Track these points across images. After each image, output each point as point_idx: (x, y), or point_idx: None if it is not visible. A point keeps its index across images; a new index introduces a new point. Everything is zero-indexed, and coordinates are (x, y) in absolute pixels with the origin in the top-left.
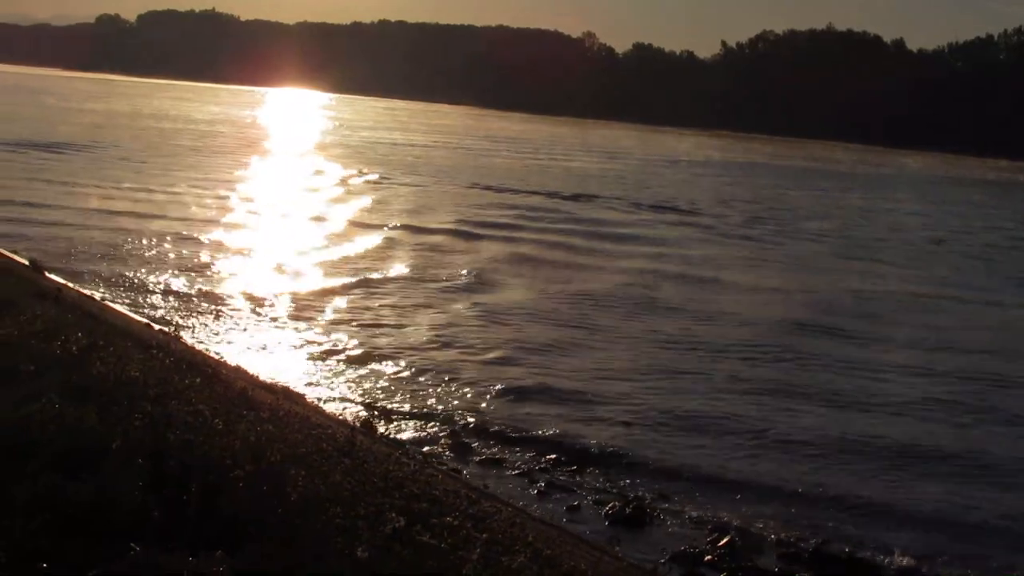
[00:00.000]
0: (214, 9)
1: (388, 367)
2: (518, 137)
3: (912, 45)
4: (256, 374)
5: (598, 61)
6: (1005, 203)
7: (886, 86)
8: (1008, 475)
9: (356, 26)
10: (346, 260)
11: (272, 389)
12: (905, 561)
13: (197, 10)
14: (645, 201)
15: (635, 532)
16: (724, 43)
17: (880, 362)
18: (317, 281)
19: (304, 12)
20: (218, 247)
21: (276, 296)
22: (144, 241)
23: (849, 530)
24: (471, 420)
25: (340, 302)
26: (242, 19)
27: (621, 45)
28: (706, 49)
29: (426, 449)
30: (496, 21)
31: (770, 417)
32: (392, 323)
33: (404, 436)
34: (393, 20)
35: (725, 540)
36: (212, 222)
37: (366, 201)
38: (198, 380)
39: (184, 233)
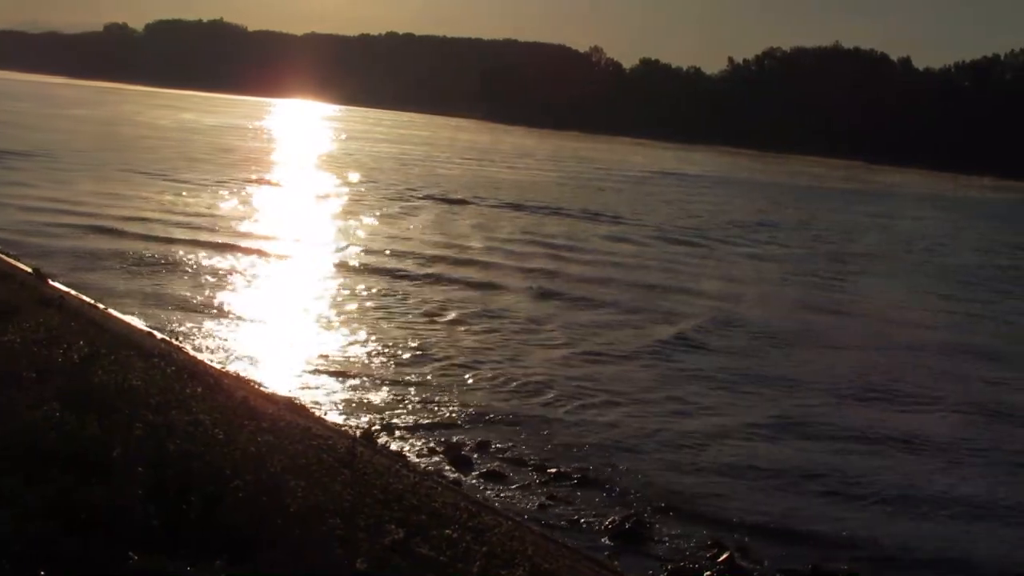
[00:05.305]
0: (222, 19)
1: (391, 380)
2: (534, 152)
3: (919, 64)
4: (258, 384)
5: (605, 76)
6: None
7: (892, 104)
8: None
9: (364, 38)
10: (354, 273)
11: (273, 399)
12: (904, 570)
13: (205, 20)
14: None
15: (634, 547)
16: (731, 59)
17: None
18: (322, 293)
19: (312, 23)
20: (219, 257)
21: (280, 307)
22: (145, 250)
23: (849, 550)
24: (472, 433)
25: (345, 314)
26: (250, 29)
27: (628, 60)
28: (713, 65)
29: (427, 462)
30: (504, 35)
31: (772, 433)
32: (398, 336)
33: (405, 448)
34: (401, 33)
35: (724, 556)
36: (212, 231)
37: (374, 212)
38: (199, 389)
39: (184, 243)
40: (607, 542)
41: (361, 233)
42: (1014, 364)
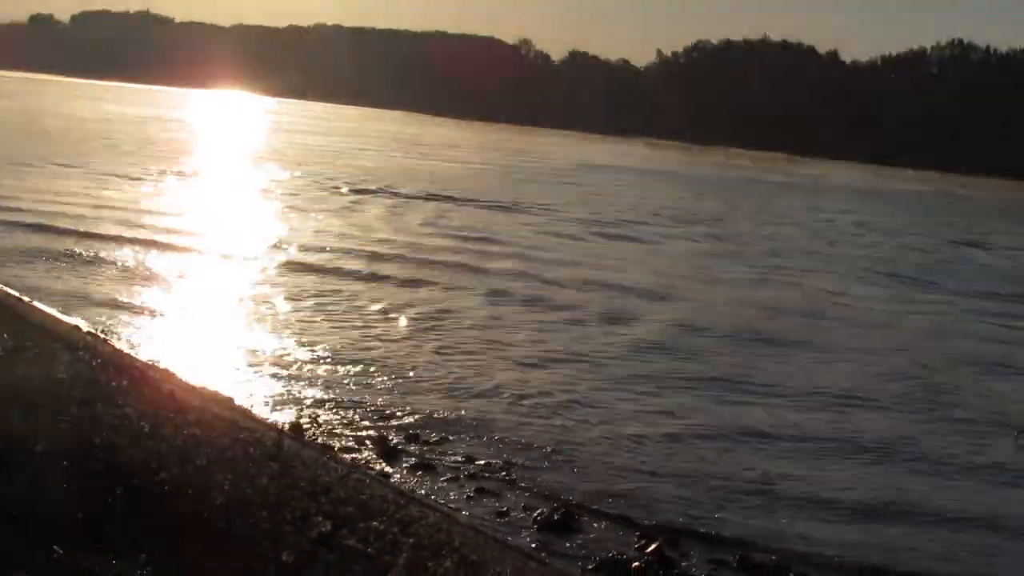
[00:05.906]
0: (148, 10)
1: (319, 372)
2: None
3: (846, 57)
4: (184, 377)
5: (534, 68)
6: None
7: (819, 96)
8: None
9: (293, 29)
10: (287, 268)
11: (200, 393)
12: (832, 565)
13: (132, 10)
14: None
15: (563, 538)
16: (660, 52)
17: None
18: (254, 288)
19: (240, 14)
20: (147, 252)
21: (206, 299)
22: (70, 245)
23: (776, 540)
24: (401, 425)
25: (278, 310)
26: (177, 20)
27: (557, 52)
28: (642, 57)
29: (355, 454)
30: (433, 26)
31: (713, 435)
32: (325, 328)
33: (333, 440)
34: (330, 24)
35: (653, 547)
36: (139, 226)
37: (303, 206)
38: (125, 383)
39: (111, 238)
40: (535, 534)
41: (292, 227)
42: (953, 360)
